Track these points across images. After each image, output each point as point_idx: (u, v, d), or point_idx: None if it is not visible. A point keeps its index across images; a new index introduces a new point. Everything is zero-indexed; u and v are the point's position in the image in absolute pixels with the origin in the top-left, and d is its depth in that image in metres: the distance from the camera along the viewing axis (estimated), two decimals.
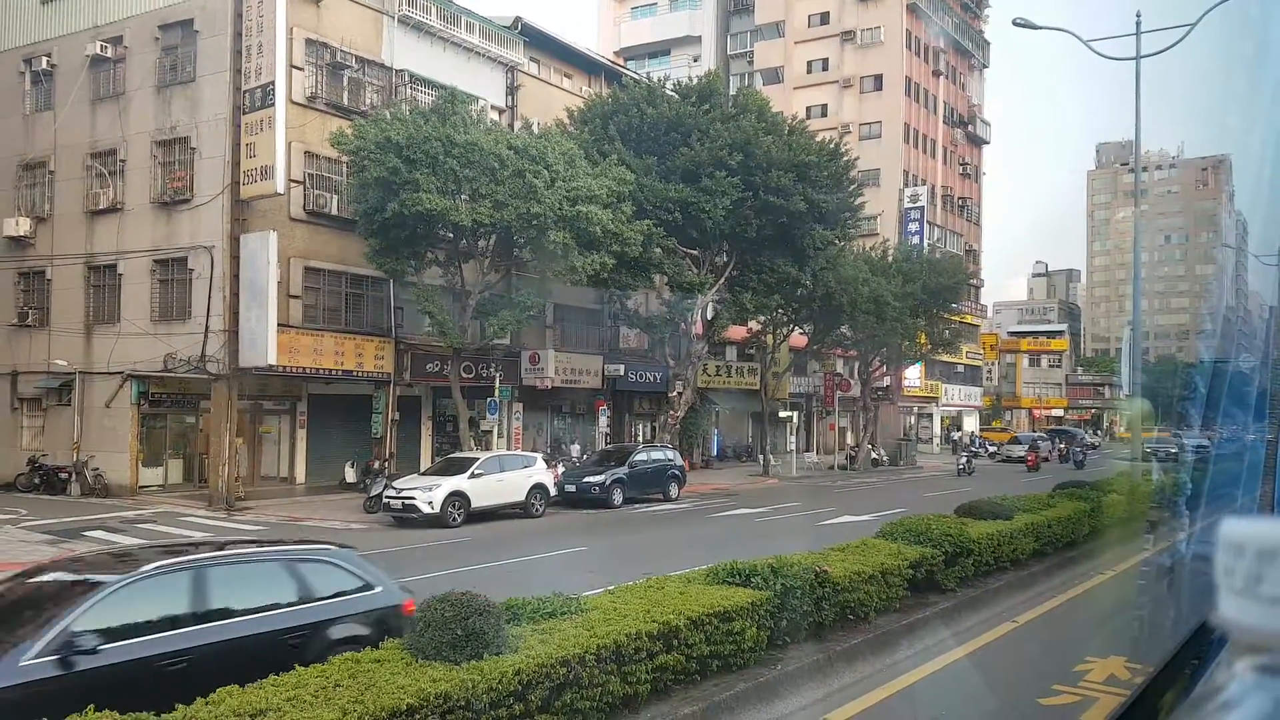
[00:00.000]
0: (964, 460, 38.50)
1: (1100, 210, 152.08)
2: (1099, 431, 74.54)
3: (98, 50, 26.29)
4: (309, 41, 25.72)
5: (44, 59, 27.82)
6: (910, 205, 57.83)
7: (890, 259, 42.50)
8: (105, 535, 18.48)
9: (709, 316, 32.00)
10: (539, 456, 24.62)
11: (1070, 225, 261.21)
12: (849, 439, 48.55)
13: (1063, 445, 51.10)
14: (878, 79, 59.06)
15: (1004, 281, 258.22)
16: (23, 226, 27.59)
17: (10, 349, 28.09)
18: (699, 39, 62.29)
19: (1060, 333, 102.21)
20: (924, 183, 59.92)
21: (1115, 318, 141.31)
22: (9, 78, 28.81)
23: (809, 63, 60.99)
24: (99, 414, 25.89)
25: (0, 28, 29.05)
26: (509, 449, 28.12)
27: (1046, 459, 45.17)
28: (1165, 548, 15.02)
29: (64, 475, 25.56)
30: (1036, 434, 60.67)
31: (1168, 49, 22.54)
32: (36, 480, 25.81)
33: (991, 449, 53.31)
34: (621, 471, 25.11)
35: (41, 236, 27.78)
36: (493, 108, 29.93)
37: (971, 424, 69.73)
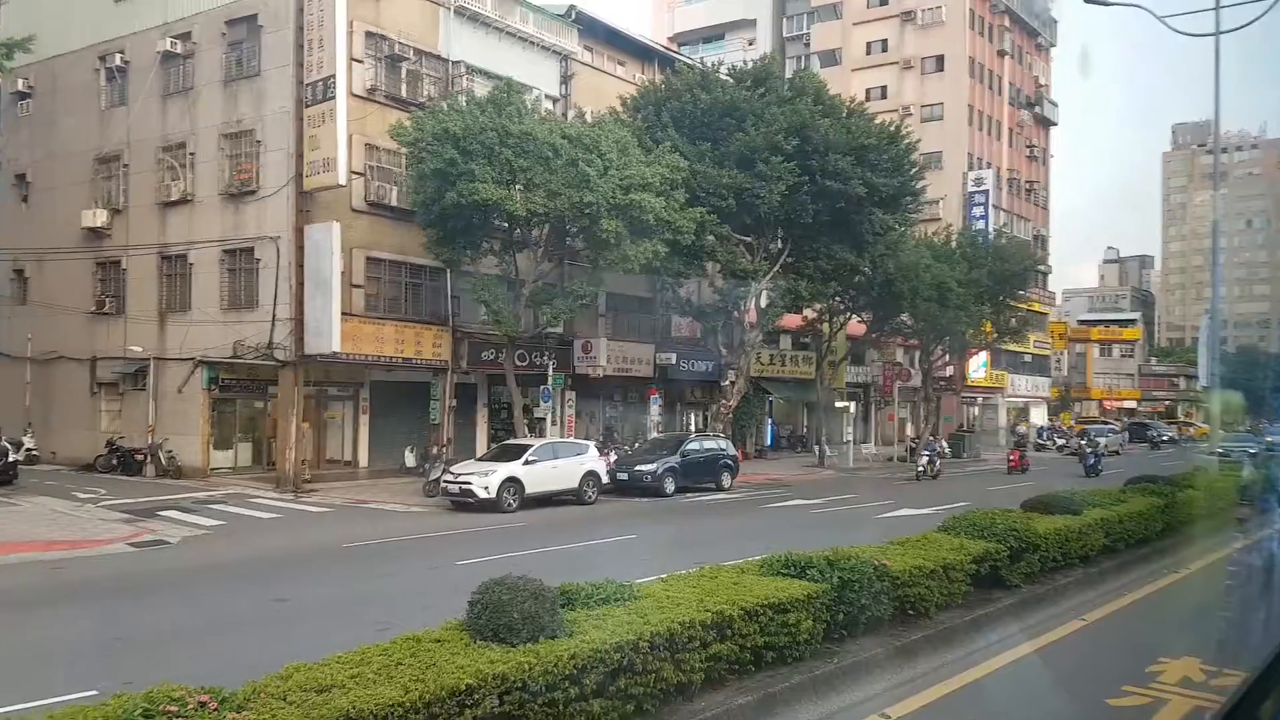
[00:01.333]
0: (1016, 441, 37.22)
1: (1176, 194, 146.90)
2: (1177, 424, 72.06)
3: (168, 46, 27.05)
4: (368, 34, 26.13)
5: (117, 56, 28.74)
6: (974, 189, 56.60)
7: (954, 244, 41.69)
8: (179, 515, 19.17)
9: (763, 304, 31.74)
10: (592, 444, 24.80)
11: (1144, 209, 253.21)
12: (909, 430, 47.82)
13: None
14: (939, 60, 57.86)
15: (1073, 268, 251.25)
16: (100, 218, 28.59)
17: (89, 336, 29.18)
18: (754, 22, 61.73)
19: (1133, 321, 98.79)
20: (989, 166, 58.57)
21: (1192, 305, 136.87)
22: (85, 75, 29.83)
23: (868, 44, 60.02)
24: (172, 398, 26.79)
25: (75, 27, 29.99)
26: (562, 436, 28.39)
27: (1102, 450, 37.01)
28: (1254, 546, 14.44)
29: (140, 457, 26.58)
30: (1106, 425, 58.85)
31: (1249, 24, 21.70)
32: (114, 462, 26.93)
33: (1060, 441, 52.12)
34: (674, 460, 25.15)
35: (117, 227, 28.75)
36: (547, 97, 30.09)
37: (1039, 416, 68.00)
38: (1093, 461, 32.11)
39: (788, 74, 34.93)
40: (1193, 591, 12.83)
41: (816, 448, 38.42)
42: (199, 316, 26.39)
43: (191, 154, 27.08)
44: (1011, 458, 34.27)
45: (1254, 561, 13.17)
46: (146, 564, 14.32)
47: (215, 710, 4.49)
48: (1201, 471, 20.02)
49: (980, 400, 59.78)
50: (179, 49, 27.15)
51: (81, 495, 21.63)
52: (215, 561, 14.72)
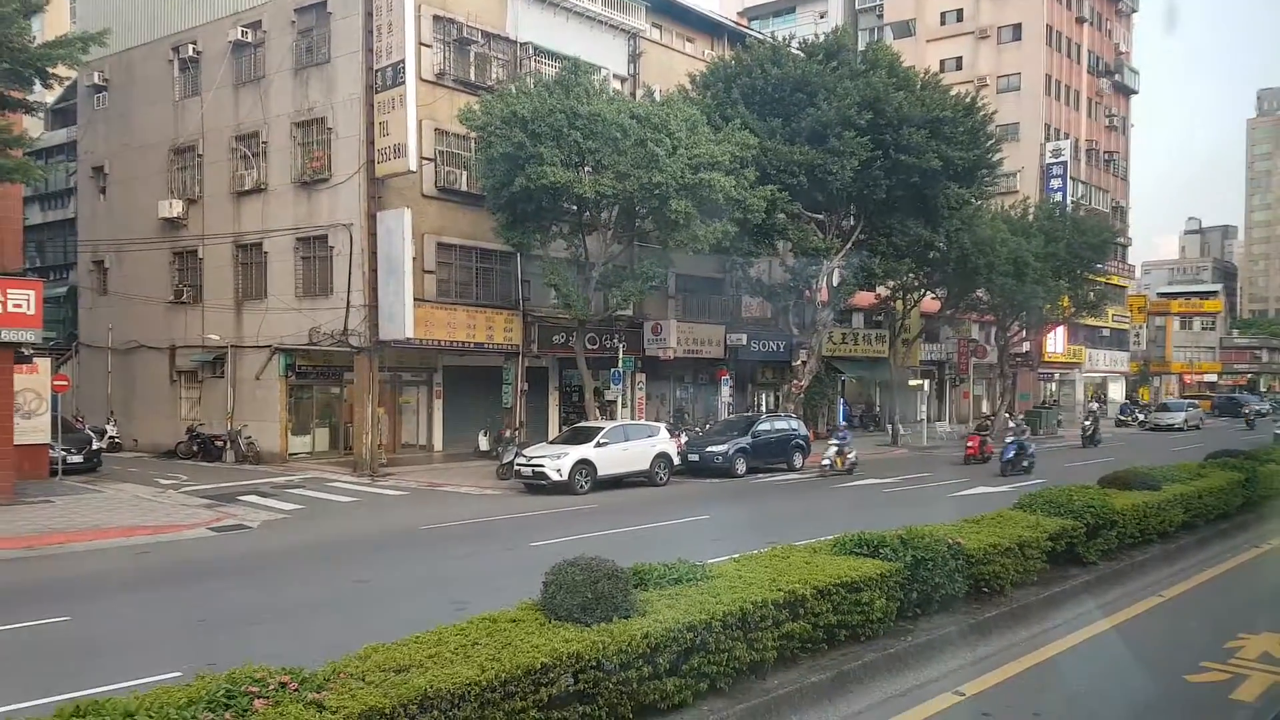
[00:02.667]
0: (1088, 424, 35.53)
1: (1261, 161, 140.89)
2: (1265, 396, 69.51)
3: (238, 36, 27.53)
4: (436, 18, 26.27)
5: (190, 46, 29.29)
6: (1052, 160, 55.00)
7: (1031, 218, 40.66)
8: (258, 499, 19.66)
9: (835, 283, 31.26)
10: (662, 426, 24.77)
11: (1227, 178, 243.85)
12: (984, 407, 46.86)
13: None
14: (1016, 28, 56.15)
15: (1153, 239, 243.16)
16: (176, 208, 29.32)
17: (168, 325, 30.02)
18: None
19: (1214, 293, 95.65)
20: (1067, 136, 56.84)
21: (1276, 276, 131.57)
22: (159, 66, 30.50)
23: (942, 13, 58.49)
24: (250, 385, 27.47)
25: (148, 18, 30.67)
26: (633, 419, 28.41)
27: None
28: None
29: (219, 443, 27.32)
30: (1186, 400, 57.14)
31: None
32: (194, 448, 27.75)
33: (1140, 416, 50.71)
34: (744, 441, 24.99)
35: (193, 217, 29.47)
36: (615, 76, 29.93)
37: (1117, 391, 66.34)
38: (1090, 433, 34.48)
39: (860, 46, 34.11)
40: (1275, 567, 12.69)
41: (889, 426, 37.93)
42: (274, 304, 26.97)
43: (264, 143, 27.59)
44: (970, 444, 28.46)
45: None
46: (228, 548, 14.70)
47: (295, 690, 4.55)
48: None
49: (1057, 376, 58.39)
50: (249, 38, 27.62)
51: (163, 481, 22.33)
52: (294, 545, 15.05)
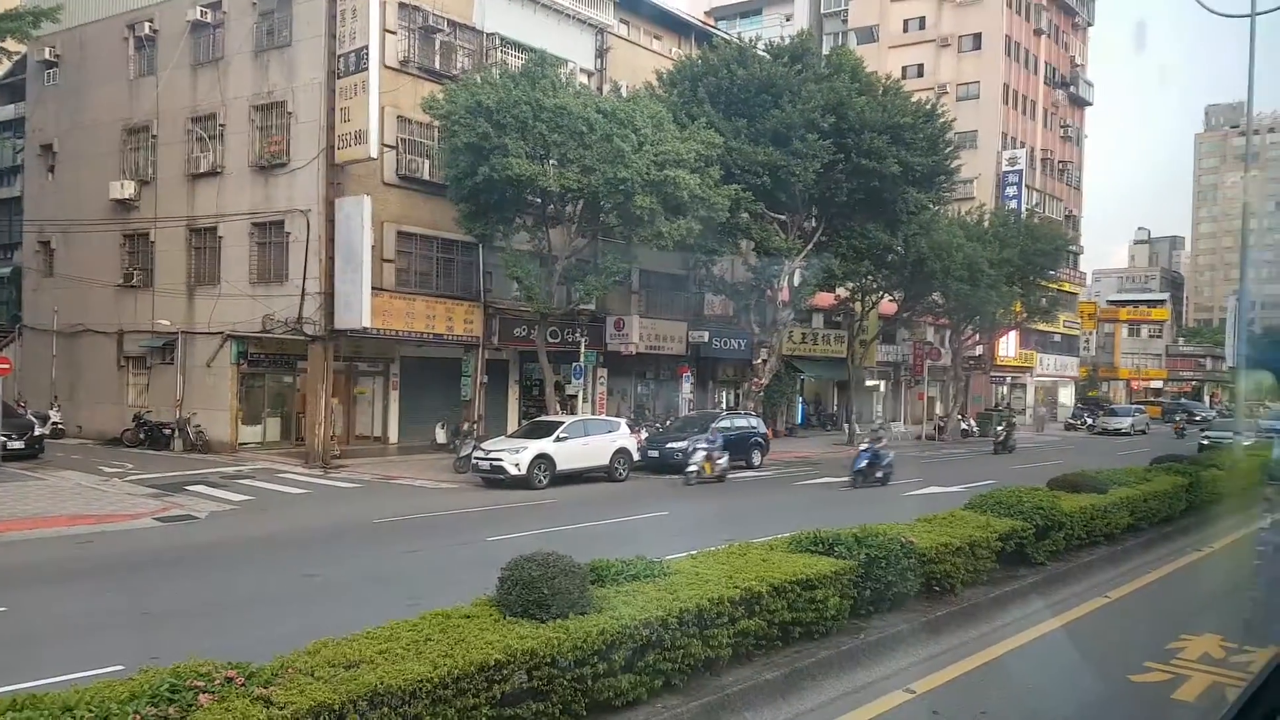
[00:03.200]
0: (1000, 430, 33.91)
1: (1207, 175, 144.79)
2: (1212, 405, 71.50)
3: (198, 15, 27.00)
4: (402, 5, 25.96)
5: (146, 24, 28.67)
6: (1008, 168, 56.01)
7: (986, 224, 41.37)
8: (207, 489, 19.29)
9: (796, 283, 31.53)
10: (623, 421, 24.75)
11: (1175, 190, 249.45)
12: (938, 409, 47.53)
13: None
14: (976, 38, 57.02)
15: (1104, 248, 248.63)
16: (128, 189, 28.66)
17: (116, 309, 29.36)
18: None
19: (1162, 302, 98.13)
20: (1023, 145, 57.88)
21: (1220, 286, 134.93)
22: (114, 44, 29.79)
23: (905, 21, 59.19)
24: (200, 373, 26.95)
25: None
26: (593, 414, 28.34)
27: None
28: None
29: (167, 431, 26.77)
30: (1133, 406, 58.63)
31: None
32: (141, 436, 27.11)
33: (1089, 421, 51.83)
34: (704, 439, 25.01)
35: (145, 199, 28.83)
36: (581, 70, 29.82)
37: (1066, 395, 67.77)
38: (1004, 438, 33.39)
39: (825, 50, 34.47)
40: (1215, 570, 12.95)
41: (846, 426, 38.30)
42: (228, 290, 26.48)
43: (221, 125, 27.08)
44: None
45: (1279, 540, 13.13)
46: (174, 539, 14.37)
47: (242, 685, 4.45)
48: (1225, 451, 20.04)
49: (1009, 379, 59.49)
50: (209, 18, 27.11)
51: (108, 470, 21.81)
52: (243, 537, 14.77)
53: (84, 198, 29.90)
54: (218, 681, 4.41)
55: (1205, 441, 31.79)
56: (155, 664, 4.71)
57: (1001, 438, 33.83)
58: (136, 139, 29.40)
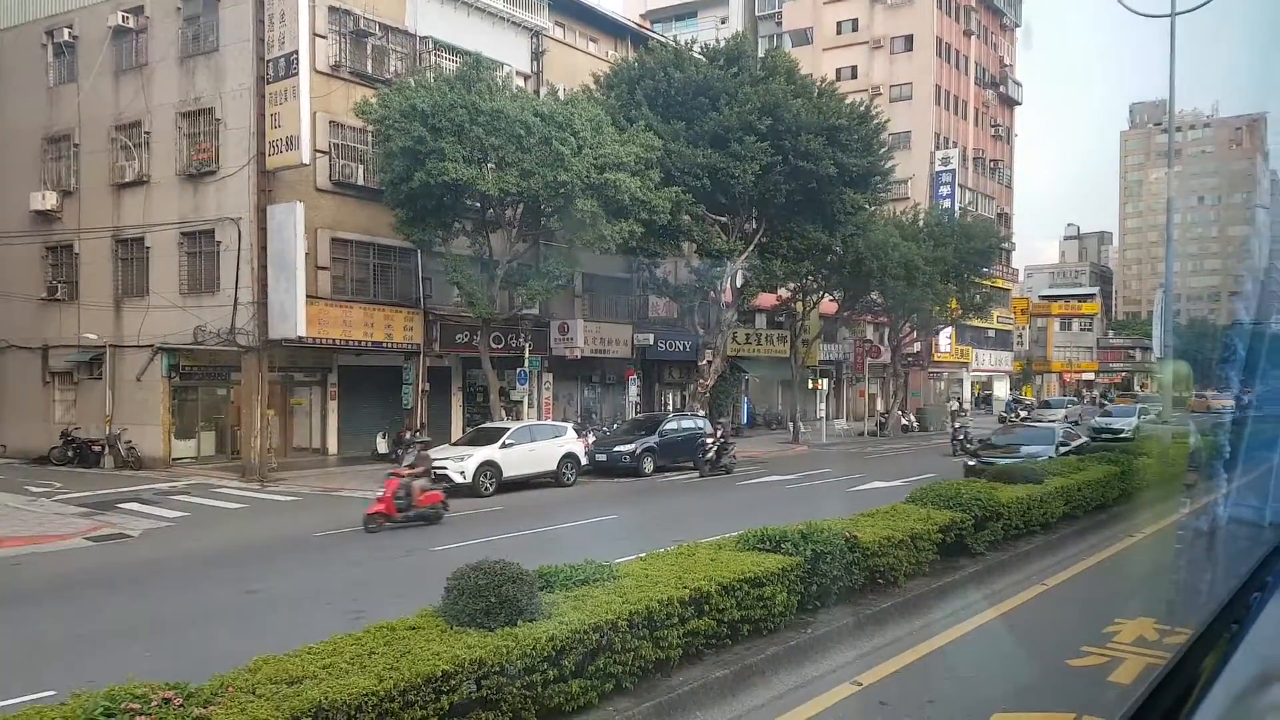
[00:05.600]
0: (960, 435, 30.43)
1: (1133, 171, 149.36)
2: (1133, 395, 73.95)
3: (119, 21, 26.25)
4: (332, 9, 25.55)
5: (65, 30, 27.82)
6: (941, 168, 57.07)
7: (921, 223, 42.03)
8: (139, 507, 18.74)
9: (739, 284, 31.78)
10: (569, 426, 24.64)
11: (1103, 187, 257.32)
12: (879, 405, 48.29)
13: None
14: (908, 39, 58.03)
15: (1036, 245, 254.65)
16: (49, 200, 27.75)
17: (40, 323, 28.40)
18: (726, 0, 61.34)
19: (1091, 296, 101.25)
20: (955, 145, 59.03)
21: (1147, 280, 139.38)
22: (31, 50, 28.84)
23: (838, 23, 60.01)
24: (130, 387, 26.18)
25: (20, 0, 29.02)
26: (539, 419, 28.18)
27: None
28: (1201, 511, 14.91)
29: (97, 448, 25.92)
30: (1066, 399, 60.23)
31: (1203, 5, 21.89)
32: (70, 454, 26.16)
33: (1024, 414, 52.98)
34: (652, 440, 25.09)
35: (68, 210, 27.95)
36: (518, 74, 29.66)
37: (1002, 389, 69.35)
38: (713, 455, 24.47)
39: (760, 53, 34.71)
40: (1146, 555, 13.34)
41: (791, 425, 38.72)
42: (157, 302, 25.77)
43: (147, 133, 26.37)
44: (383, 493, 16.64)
45: (1200, 526, 13.67)
46: (106, 559, 13.95)
47: (180, 706, 4.33)
48: (1154, 440, 20.64)
49: (946, 375, 60.70)
50: (131, 23, 26.37)
51: (35, 489, 21.06)
52: (179, 554, 14.37)
53: (2, 209, 28.88)
54: (154, 703, 4.28)
55: (973, 463, 20.12)
56: (89, 688, 4.59)
57: (961, 436, 29.83)
58: (57, 148, 28.49)
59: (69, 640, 9.21)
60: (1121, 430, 32.26)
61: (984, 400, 64.85)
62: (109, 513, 17.85)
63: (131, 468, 25.06)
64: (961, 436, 30.20)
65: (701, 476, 24.01)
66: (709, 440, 25.06)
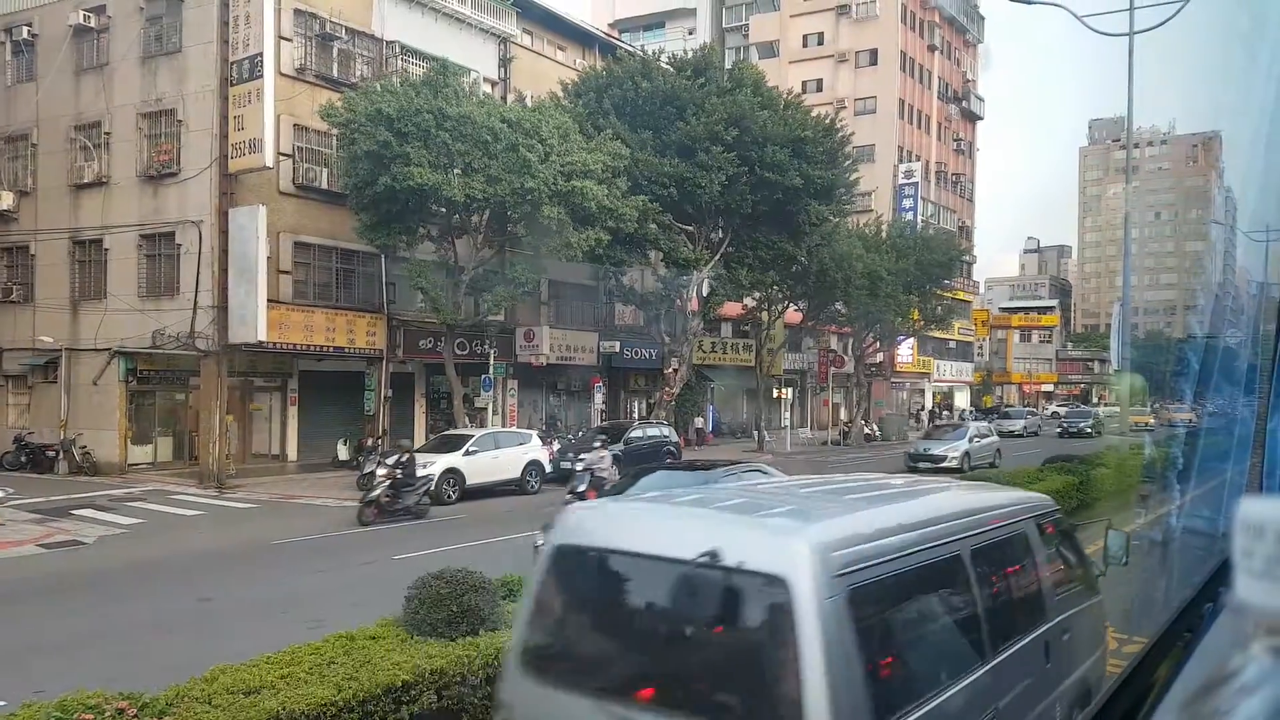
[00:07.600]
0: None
1: (1092, 186, 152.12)
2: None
3: (80, 20, 25.84)
4: (297, 12, 25.33)
5: (24, 29, 27.30)
6: (904, 181, 57.78)
7: (884, 235, 42.52)
8: (94, 513, 18.37)
9: (704, 293, 31.92)
10: (534, 433, 24.56)
11: (1062, 201, 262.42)
12: (843, 414, 48.70)
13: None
14: (873, 54, 58.73)
15: (996, 257, 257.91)
16: (5, 200, 27.20)
17: None
18: (694, 11, 61.70)
19: (1051, 309, 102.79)
20: (918, 158, 59.80)
21: (1106, 293, 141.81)
22: None
23: (804, 36, 60.61)
24: (86, 391, 25.67)
25: None
26: (504, 426, 28.05)
27: None
28: (1156, 521, 15.16)
29: (51, 453, 25.37)
30: (1026, 409, 61.22)
31: (1161, 24, 22.44)
32: (23, 459, 25.56)
33: (949, 415, 53.90)
34: (616, 448, 25.02)
35: (24, 210, 27.41)
36: (485, 80, 29.57)
37: (963, 400, 70.23)
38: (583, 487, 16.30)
39: (727, 64, 34.98)
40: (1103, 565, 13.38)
41: (756, 433, 38.87)
42: (115, 305, 25.31)
43: (107, 134, 25.93)
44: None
45: (1154, 536, 13.84)
46: (60, 566, 13.66)
47: (135, 716, 4.26)
48: (1112, 450, 21.03)
49: (908, 385, 61.37)
50: (93, 22, 25.95)
51: None
52: (134, 562, 14.09)
53: None
54: (108, 714, 4.22)
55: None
56: (40, 698, 4.50)
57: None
58: (15, 148, 27.92)
59: (19, 650, 9.00)
60: (944, 459, 26.30)
61: (945, 409, 65.63)
62: (63, 519, 17.48)
63: (86, 473, 24.55)
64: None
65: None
66: (673, 449, 25.11)
